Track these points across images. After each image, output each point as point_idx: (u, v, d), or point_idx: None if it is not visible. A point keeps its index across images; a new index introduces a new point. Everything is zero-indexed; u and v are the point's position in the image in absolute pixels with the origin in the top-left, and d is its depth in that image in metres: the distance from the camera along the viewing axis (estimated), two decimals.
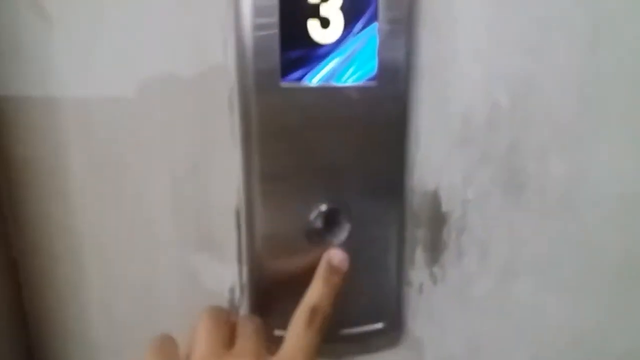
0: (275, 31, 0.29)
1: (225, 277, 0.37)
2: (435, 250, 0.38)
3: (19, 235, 0.35)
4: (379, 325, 0.37)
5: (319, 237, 0.34)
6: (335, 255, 0.33)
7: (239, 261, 0.36)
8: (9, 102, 0.32)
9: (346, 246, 0.35)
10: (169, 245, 0.36)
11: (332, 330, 0.34)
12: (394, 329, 0.38)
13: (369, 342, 0.38)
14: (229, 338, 0.29)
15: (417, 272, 0.39)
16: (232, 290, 0.37)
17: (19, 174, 0.34)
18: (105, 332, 0.37)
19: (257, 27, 0.29)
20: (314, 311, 0.30)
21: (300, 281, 0.32)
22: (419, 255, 0.38)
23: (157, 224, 0.35)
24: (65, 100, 0.33)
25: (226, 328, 0.29)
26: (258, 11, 0.29)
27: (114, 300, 0.37)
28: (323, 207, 0.33)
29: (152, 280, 0.36)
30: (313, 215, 0.33)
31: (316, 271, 0.32)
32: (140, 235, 0.36)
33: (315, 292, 0.31)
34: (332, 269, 0.32)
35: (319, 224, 0.34)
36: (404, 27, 0.31)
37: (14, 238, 0.35)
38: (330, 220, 0.34)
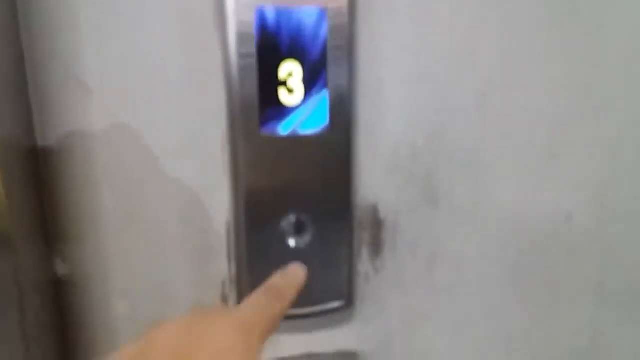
0: (256, 96, 0.38)
1: (219, 272, 0.43)
2: (376, 247, 0.45)
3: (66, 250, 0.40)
4: (336, 304, 0.44)
5: (290, 239, 0.41)
6: (293, 269, 0.31)
7: (229, 259, 0.42)
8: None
9: (309, 246, 0.41)
10: (177, 252, 0.42)
11: (298, 309, 0.41)
12: (347, 308, 0.45)
13: (328, 317, 0.45)
14: None
15: (364, 264, 0.45)
16: (223, 283, 0.43)
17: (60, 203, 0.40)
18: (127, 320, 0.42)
19: (243, 92, 0.38)
20: (270, 285, 0.28)
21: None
22: (365, 252, 0.44)
23: (168, 238, 0.42)
24: (97, 146, 0.39)
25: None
26: (243, 82, 0.38)
27: (137, 319, 0.42)
28: (292, 218, 0.41)
29: (164, 278, 0.43)
30: (284, 224, 0.41)
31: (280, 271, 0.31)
32: (156, 247, 0.42)
33: (274, 279, 0.29)
34: (289, 274, 0.31)
35: (289, 230, 0.41)
36: (346, 90, 0.39)
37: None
38: (298, 228, 0.41)
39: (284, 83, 0.38)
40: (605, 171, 0.47)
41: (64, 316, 0.42)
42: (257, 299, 0.27)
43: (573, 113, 0.45)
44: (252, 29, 0.37)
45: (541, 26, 0.43)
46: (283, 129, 0.39)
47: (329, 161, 0.41)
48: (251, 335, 0.23)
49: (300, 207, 0.41)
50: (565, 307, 0.50)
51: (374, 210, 0.45)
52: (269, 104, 0.39)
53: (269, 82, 0.38)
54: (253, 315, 0.25)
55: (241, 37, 0.37)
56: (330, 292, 0.44)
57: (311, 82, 0.39)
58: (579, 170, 0.46)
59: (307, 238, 0.41)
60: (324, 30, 0.38)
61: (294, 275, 0.30)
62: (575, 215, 0.48)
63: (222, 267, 0.43)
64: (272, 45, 0.38)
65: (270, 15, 0.37)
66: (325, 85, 0.39)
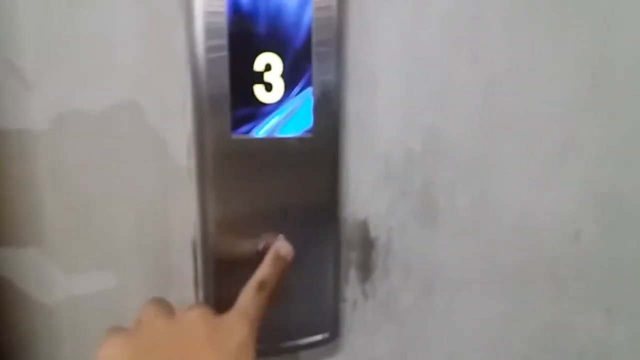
0: (226, 93, 0.33)
1: (183, 299, 0.39)
2: (366, 270, 0.42)
3: None
4: (319, 337, 0.40)
5: None
6: (282, 248, 0.35)
7: (196, 285, 0.39)
8: None
9: (289, 271, 0.36)
10: (134, 274, 0.38)
11: (277, 342, 0.37)
12: (332, 340, 0.41)
13: (310, 352, 0.41)
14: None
15: (351, 290, 0.42)
16: None
17: None
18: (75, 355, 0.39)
19: (211, 89, 0.33)
20: (262, 284, 0.32)
21: None
22: (353, 275, 0.42)
23: (124, 256, 0.37)
24: (36, 142, 0.34)
25: (170, 306, 0.30)
26: (211, 76, 0.33)
27: (81, 322, 0.38)
28: (269, 239, 0.36)
29: (119, 303, 0.38)
30: (261, 245, 0.36)
31: (265, 256, 0.34)
32: (108, 265, 0.37)
33: (263, 271, 0.33)
34: (279, 256, 0.34)
35: (266, 252, 0.35)
36: (334, 89, 0.35)
37: None
38: None
39: (261, 78, 0.34)
40: (615, 176, 0.44)
41: None
42: (252, 295, 0.31)
43: (584, 111, 0.42)
44: (223, 13, 0.32)
45: (550, 16, 0.40)
46: (259, 131, 0.35)
47: (313, 170, 0.37)
48: (254, 329, 0.29)
49: (279, 224, 0.37)
50: (574, 332, 0.47)
51: (364, 228, 0.41)
52: (242, 102, 0.34)
53: (243, 77, 0.33)
54: (253, 311, 0.30)
55: (210, 23, 0.32)
56: (314, 322, 0.40)
57: (292, 78, 0.34)
58: (588, 178, 0.44)
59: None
60: (308, 17, 0.34)
61: (278, 261, 0.34)
62: (584, 232, 0.45)
63: (187, 292, 0.39)
64: (246, 32, 0.33)
65: None
66: (309, 82, 0.35)
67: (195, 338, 0.27)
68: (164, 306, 0.30)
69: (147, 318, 0.28)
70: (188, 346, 0.27)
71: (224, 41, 0.33)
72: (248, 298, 0.31)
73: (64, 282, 0.37)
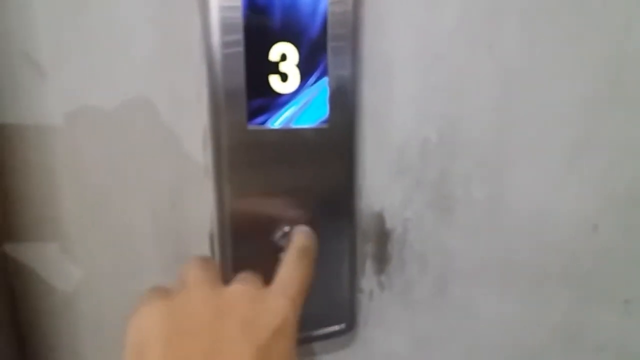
0: (242, 83, 0.33)
1: None
2: (381, 262, 0.41)
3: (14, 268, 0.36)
4: (337, 327, 0.40)
5: (284, 253, 0.35)
6: (304, 230, 0.35)
7: None
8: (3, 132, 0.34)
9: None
10: (151, 268, 0.38)
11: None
12: (348, 331, 0.41)
13: (326, 343, 0.41)
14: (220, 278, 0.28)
15: (368, 281, 0.42)
16: None
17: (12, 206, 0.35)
18: (97, 352, 0.39)
19: (226, 80, 0.33)
20: (303, 250, 0.31)
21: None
22: (369, 267, 0.41)
23: (142, 249, 0.37)
24: (55, 137, 0.34)
25: (216, 269, 0.29)
26: (226, 67, 0.33)
27: (103, 321, 0.38)
28: (286, 228, 0.36)
29: (136, 297, 0.38)
30: (278, 235, 0.36)
31: (293, 234, 0.34)
32: (126, 259, 0.37)
33: (300, 240, 0.32)
34: (305, 234, 0.34)
35: (283, 242, 0.36)
36: (350, 79, 0.35)
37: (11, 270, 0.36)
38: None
39: (276, 68, 0.33)
40: (632, 170, 0.43)
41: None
42: (294, 266, 0.30)
43: (603, 105, 0.41)
44: (239, 7, 0.32)
45: (569, 11, 0.39)
46: (274, 122, 0.34)
47: (328, 161, 0.37)
48: (297, 308, 0.28)
49: (295, 215, 0.37)
50: (592, 325, 0.47)
51: (380, 219, 0.41)
52: (257, 93, 0.34)
53: (258, 67, 0.33)
54: (297, 286, 0.29)
55: (225, 12, 0.32)
56: (330, 313, 0.40)
57: (308, 68, 0.34)
58: (605, 171, 0.43)
59: None
60: (324, 7, 0.33)
61: (308, 234, 0.34)
62: (601, 225, 0.44)
63: None
64: (262, 22, 0.33)
65: None
66: (325, 72, 0.34)
67: (232, 318, 0.26)
68: (210, 270, 0.28)
69: (191, 283, 0.27)
70: (223, 327, 0.26)
71: (239, 35, 0.32)
72: (290, 270, 0.29)
73: (82, 275, 0.37)
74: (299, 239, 0.33)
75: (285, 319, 0.27)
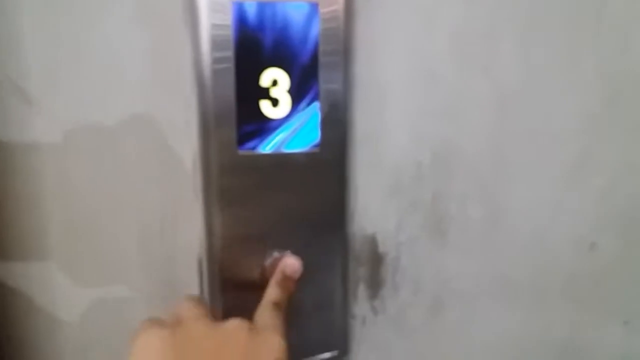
0: (232, 108, 0.33)
1: None
2: (375, 286, 0.41)
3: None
4: (328, 355, 0.39)
5: None
6: (289, 266, 0.35)
7: None
8: None
9: (298, 286, 0.35)
10: (141, 290, 0.37)
11: None
12: (341, 357, 0.40)
13: None
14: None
15: (361, 306, 0.41)
16: None
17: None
18: None
19: (217, 105, 0.33)
20: (276, 304, 0.31)
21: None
22: (362, 291, 0.41)
23: (130, 272, 0.37)
24: (43, 161, 0.34)
25: (207, 309, 0.30)
26: (217, 92, 0.32)
27: (89, 344, 0.38)
28: (276, 254, 0.36)
29: (124, 322, 0.38)
30: (268, 261, 0.36)
31: (273, 276, 0.34)
32: (114, 283, 0.37)
33: (273, 292, 0.32)
34: (286, 277, 0.34)
35: (273, 268, 0.35)
36: (341, 103, 0.35)
37: None
38: None
39: (267, 94, 0.33)
40: (630, 188, 0.43)
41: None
42: (270, 316, 0.30)
43: (600, 125, 0.41)
44: (229, 28, 0.32)
45: (565, 29, 0.39)
46: (265, 146, 0.34)
47: (320, 185, 0.36)
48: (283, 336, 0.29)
49: (286, 240, 0.36)
50: (592, 345, 0.46)
51: (373, 243, 0.40)
52: (248, 118, 0.33)
53: (249, 92, 0.33)
54: (279, 329, 0.29)
55: (216, 38, 0.32)
56: (323, 339, 0.39)
57: (299, 93, 0.34)
58: (603, 190, 0.42)
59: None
60: (315, 32, 0.33)
61: (286, 281, 0.34)
62: (599, 244, 0.43)
63: None
64: (252, 48, 0.33)
65: (251, 11, 0.32)
66: (316, 97, 0.34)
67: (234, 349, 0.26)
68: (203, 308, 0.29)
69: (188, 319, 0.28)
70: (226, 355, 0.26)
71: (230, 55, 0.32)
72: (267, 318, 0.30)
73: (71, 296, 0.37)
74: (273, 289, 0.33)
75: (284, 349, 0.27)
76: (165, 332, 0.27)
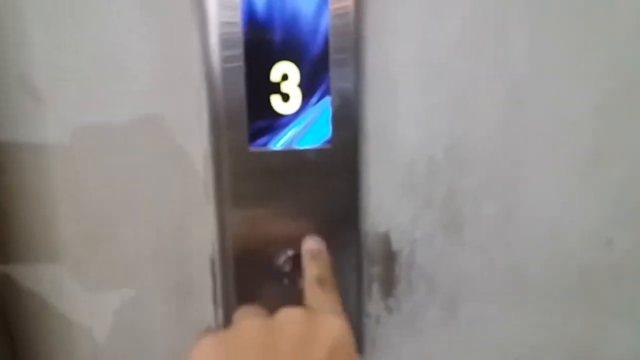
0: (243, 105, 0.32)
1: (203, 318, 0.38)
2: (389, 284, 0.40)
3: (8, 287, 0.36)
4: None
5: (287, 279, 0.36)
6: (312, 246, 0.34)
7: (215, 304, 0.38)
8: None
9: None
10: (153, 292, 0.37)
11: None
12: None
13: None
14: None
15: (374, 305, 0.40)
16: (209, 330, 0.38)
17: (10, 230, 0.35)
18: None
19: (227, 101, 0.32)
20: (319, 280, 0.30)
21: None
22: (375, 290, 0.40)
23: (142, 274, 0.37)
24: (54, 160, 0.34)
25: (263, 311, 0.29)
26: (227, 88, 0.32)
27: (101, 347, 0.38)
28: (290, 252, 0.35)
29: (138, 324, 0.38)
30: (281, 260, 0.35)
31: (303, 258, 0.33)
32: (126, 285, 0.37)
33: (312, 269, 0.32)
34: (314, 254, 0.33)
35: (286, 267, 0.35)
36: (353, 97, 0.34)
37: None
38: (297, 264, 0.35)
39: (277, 88, 0.33)
40: None
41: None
42: (319, 294, 0.29)
43: (614, 117, 0.40)
44: (238, 22, 0.31)
45: (578, 19, 0.38)
46: (276, 143, 0.34)
47: (332, 182, 0.36)
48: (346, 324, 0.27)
49: (299, 238, 0.35)
50: (608, 342, 0.45)
51: (386, 241, 0.40)
52: (259, 114, 0.33)
53: (259, 88, 0.33)
54: (331, 296, 0.29)
55: (225, 33, 0.32)
56: None
57: (310, 88, 0.33)
58: (619, 185, 0.42)
59: None
60: (325, 25, 0.33)
61: (318, 255, 0.33)
62: (616, 239, 0.43)
63: (206, 310, 0.38)
64: (262, 42, 0.32)
65: (260, 4, 0.31)
66: (327, 91, 0.34)
67: (290, 338, 0.26)
68: (259, 309, 0.29)
69: (243, 318, 0.27)
70: (275, 347, 0.25)
71: (239, 52, 0.32)
72: (317, 297, 0.29)
73: (82, 299, 0.37)
74: (310, 267, 0.32)
75: (339, 337, 0.26)
76: (220, 338, 0.26)
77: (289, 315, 0.27)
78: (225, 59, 0.32)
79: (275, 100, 0.33)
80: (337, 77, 0.34)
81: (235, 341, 0.26)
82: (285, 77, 0.33)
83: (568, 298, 0.43)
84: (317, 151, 0.34)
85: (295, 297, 0.31)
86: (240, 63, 0.32)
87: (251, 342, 0.26)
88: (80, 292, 0.37)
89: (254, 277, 0.35)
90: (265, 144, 0.33)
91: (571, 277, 0.43)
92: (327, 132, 0.34)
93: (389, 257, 0.40)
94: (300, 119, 0.34)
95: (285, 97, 0.33)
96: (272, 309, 0.32)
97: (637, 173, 0.42)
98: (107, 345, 0.38)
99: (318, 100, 0.34)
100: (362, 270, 0.39)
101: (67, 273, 0.36)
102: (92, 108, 0.34)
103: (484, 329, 0.43)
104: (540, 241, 0.42)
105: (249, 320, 0.27)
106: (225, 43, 0.32)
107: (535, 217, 0.41)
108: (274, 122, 0.33)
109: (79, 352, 0.38)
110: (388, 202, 0.39)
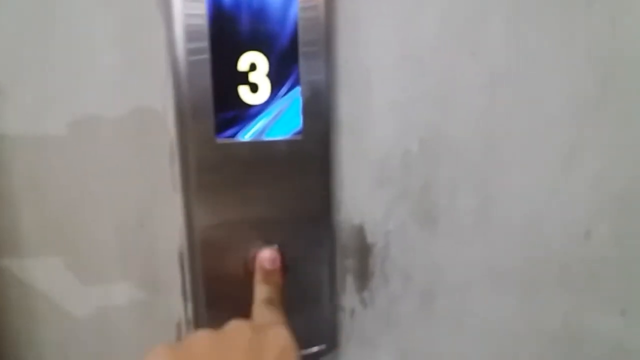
0: (209, 95, 0.31)
1: (172, 313, 0.37)
2: (363, 277, 0.40)
3: None
4: (316, 349, 0.38)
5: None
6: (265, 260, 0.34)
7: (184, 297, 0.37)
8: None
9: (286, 275, 0.35)
10: (119, 287, 0.36)
11: None
12: (330, 351, 0.39)
13: None
14: None
15: (349, 298, 0.40)
16: (178, 325, 0.37)
17: None
18: None
19: (193, 92, 0.31)
20: (268, 301, 0.31)
21: (242, 315, 0.32)
22: (350, 283, 0.40)
23: (107, 269, 0.36)
24: (15, 153, 0.33)
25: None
26: (192, 79, 0.31)
27: (70, 336, 0.37)
28: (259, 245, 0.34)
29: (105, 319, 0.37)
30: (251, 254, 0.34)
31: (255, 275, 0.33)
32: (92, 279, 0.36)
33: (261, 291, 0.32)
34: (267, 271, 0.33)
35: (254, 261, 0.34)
36: (324, 88, 0.33)
37: None
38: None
39: (245, 78, 0.32)
40: (624, 175, 0.42)
41: None
42: (267, 313, 0.30)
43: (593, 109, 0.40)
44: (204, 14, 0.30)
45: (555, 10, 0.38)
46: (245, 134, 0.33)
47: (304, 174, 0.35)
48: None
49: (270, 233, 0.35)
50: (587, 336, 0.45)
51: (360, 233, 0.39)
52: (226, 105, 0.32)
53: (226, 77, 0.32)
54: (278, 314, 0.30)
55: (190, 25, 0.31)
56: (310, 333, 0.38)
57: (280, 78, 0.32)
58: (597, 177, 0.42)
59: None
60: (294, 14, 0.32)
61: (268, 276, 0.33)
62: (594, 232, 0.43)
63: (176, 306, 0.37)
64: (229, 32, 0.31)
65: None
66: (297, 82, 0.33)
67: (238, 348, 0.26)
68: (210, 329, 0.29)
69: (192, 334, 0.28)
70: (231, 356, 0.26)
71: (205, 44, 0.31)
72: (264, 315, 0.30)
73: (48, 293, 0.36)
74: (259, 288, 0.33)
75: (286, 345, 0.27)
76: (170, 350, 0.27)
77: (237, 326, 0.28)
78: (190, 52, 0.31)
79: (243, 91, 0.32)
80: (308, 68, 0.33)
81: (187, 352, 0.26)
82: (253, 67, 0.32)
83: (546, 289, 0.43)
84: (288, 142, 0.34)
85: None
86: (205, 55, 0.31)
87: (202, 351, 0.26)
88: (44, 287, 0.35)
89: (222, 271, 0.35)
90: (233, 135, 0.32)
91: (549, 269, 0.43)
92: (298, 123, 0.34)
93: (363, 250, 0.39)
94: (270, 110, 0.33)
95: (254, 88, 0.32)
96: (242, 302, 0.32)
97: (616, 165, 0.42)
98: (73, 340, 0.37)
99: (288, 91, 0.33)
100: (336, 264, 0.38)
101: (31, 267, 0.35)
102: (55, 100, 0.32)
103: (460, 321, 0.43)
104: (518, 233, 0.42)
105: (200, 332, 0.27)
106: (191, 35, 0.31)
107: (513, 209, 0.41)
108: (243, 113, 0.32)
109: (44, 347, 0.37)
110: (362, 194, 0.38)
